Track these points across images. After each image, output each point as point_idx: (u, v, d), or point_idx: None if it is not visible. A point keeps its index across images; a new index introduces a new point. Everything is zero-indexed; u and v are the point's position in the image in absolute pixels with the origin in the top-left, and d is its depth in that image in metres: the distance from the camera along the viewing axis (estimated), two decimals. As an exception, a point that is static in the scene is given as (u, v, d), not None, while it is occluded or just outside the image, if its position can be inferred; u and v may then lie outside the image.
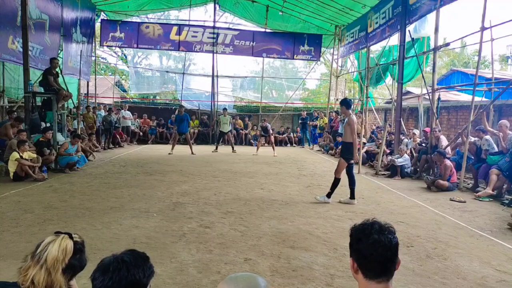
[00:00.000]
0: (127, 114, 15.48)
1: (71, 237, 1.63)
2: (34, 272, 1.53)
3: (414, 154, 9.39)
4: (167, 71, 19.57)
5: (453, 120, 10.76)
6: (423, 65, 11.29)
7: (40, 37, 10.48)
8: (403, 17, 10.14)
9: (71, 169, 8.42)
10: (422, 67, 10.39)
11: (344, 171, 6.24)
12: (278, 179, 8.21)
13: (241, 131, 17.25)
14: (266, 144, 15.02)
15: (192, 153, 12.37)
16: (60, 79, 9.61)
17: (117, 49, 20.96)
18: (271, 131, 13.66)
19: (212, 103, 17.47)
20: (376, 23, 12.32)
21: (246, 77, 20.72)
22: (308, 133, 17.04)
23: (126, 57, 22.37)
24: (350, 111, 6.21)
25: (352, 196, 6.20)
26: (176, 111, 13.98)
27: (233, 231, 4.50)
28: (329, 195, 6.15)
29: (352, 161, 6.21)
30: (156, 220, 4.84)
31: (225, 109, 14.92)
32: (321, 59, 19.95)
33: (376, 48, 17.38)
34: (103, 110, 14.74)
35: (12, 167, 7.16)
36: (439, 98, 9.29)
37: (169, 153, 12.16)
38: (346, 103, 6.26)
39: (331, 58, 18.45)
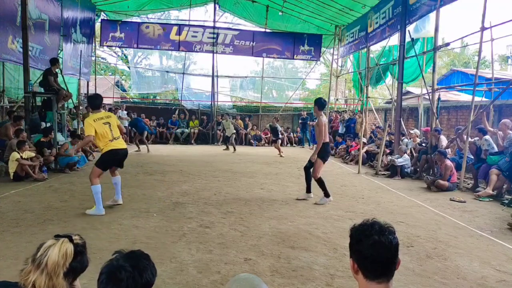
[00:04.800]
0: (124, 114, 15.41)
1: (71, 240, 1.62)
2: (35, 277, 1.52)
3: (414, 154, 9.39)
4: (167, 71, 19.57)
5: (453, 120, 10.76)
6: (424, 67, 11.28)
7: (40, 37, 10.48)
8: (403, 17, 10.15)
9: (71, 169, 8.42)
10: (421, 68, 10.39)
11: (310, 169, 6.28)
12: (278, 179, 8.21)
13: (241, 131, 17.25)
14: (266, 144, 15.01)
15: (148, 151, 12.68)
16: (60, 79, 9.61)
17: (117, 49, 20.96)
18: (281, 135, 13.12)
19: (212, 103, 17.48)
20: (376, 23, 12.32)
21: (246, 77, 20.71)
22: (308, 133, 17.04)
23: (126, 57, 22.37)
24: (322, 112, 6.16)
25: (308, 190, 6.36)
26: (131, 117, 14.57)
27: (233, 231, 4.50)
28: (327, 195, 6.11)
29: (326, 161, 6.23)
30: (156, 220, 4.84)
31: (226, 114, 15.06)
32: (321, 59, 19.96)
33: (376, 48, 17.38)
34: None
35: (12, 167, 7.16)
36: (439, 98, 9.29)
37: (136, 151, 12.43)
38: (318, 103, 6.16)
39: (331, 58, 18.46)
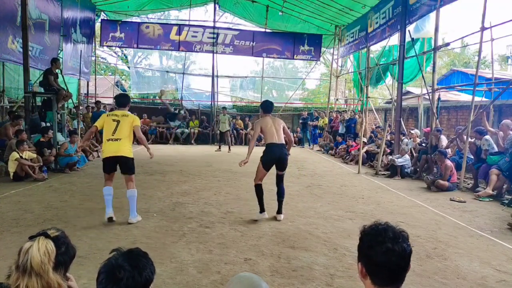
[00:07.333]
0: None
1: (47, 236, 1.58)
2: (25, 282, 1.50)
3: (414, 154, 9.39)
4: (167, 71, 19.58)
5: (453, 120, 10.76)
6: (423, 66, 11.29)
7: (40, 37, 10.48)
8: (403, 17, 10.15)
9: (71, 169, 8.42)
10: (421, 68, 10.40)
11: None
12: (278, 179, 8.19)
13: (241, 131, 17.24)
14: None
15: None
16: (60, 79, 9.62)
17: (117, 49, 20.97)
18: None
19: (212, 103, 17.48)
20: (376, 23, 12.32)
21: (246, 77, 20.72)
22: (308, 133, 17.03)
23: (126, 57, 22.37)
24: (265, 115, 5.40)
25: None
26: (94, 108, 12.96)
27: (233, 231, 4.50)
28: (261, 210, 5.26)
29: (265, 164, 5.35)
30: (156, 220, 4.85)
31: (224, 108, 14.96)
32: (321, 59, 19.96)
33: (376, 48, 17.39)
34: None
35: (12, 167, 7.16)
36: (439, 98, 9.29)
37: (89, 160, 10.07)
38: (262, 106, 5.57)
39: (331, 58, 18.46)
